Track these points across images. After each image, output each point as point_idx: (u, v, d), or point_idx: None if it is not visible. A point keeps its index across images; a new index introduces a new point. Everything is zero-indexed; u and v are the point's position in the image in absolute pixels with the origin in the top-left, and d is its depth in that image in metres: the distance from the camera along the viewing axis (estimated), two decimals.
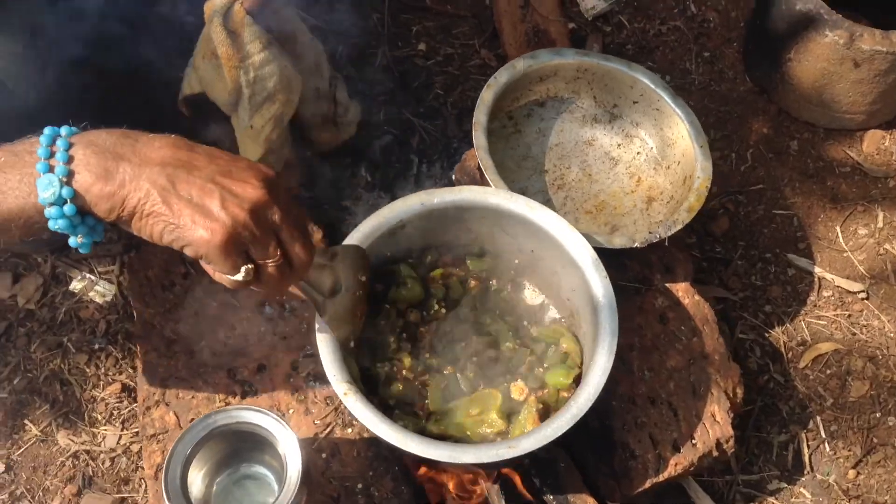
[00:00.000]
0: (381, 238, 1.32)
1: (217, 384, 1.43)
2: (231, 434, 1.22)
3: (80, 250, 0.98)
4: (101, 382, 1.72)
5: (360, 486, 1.36)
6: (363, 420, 1.17)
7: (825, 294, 1.81)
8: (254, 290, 1.02)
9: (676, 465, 1.38)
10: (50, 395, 1.72)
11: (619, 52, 2.08)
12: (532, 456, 1.44)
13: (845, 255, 1.85)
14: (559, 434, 1.18)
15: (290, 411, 1.41)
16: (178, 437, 1.18)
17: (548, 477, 1.44)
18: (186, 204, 0.92)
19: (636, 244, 1.40)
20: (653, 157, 1.60)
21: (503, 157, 1.58)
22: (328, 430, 1.40)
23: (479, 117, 1.48)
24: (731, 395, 1.45)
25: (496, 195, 1.34)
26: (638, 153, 1.61)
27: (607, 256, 1.45)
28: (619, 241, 1.40)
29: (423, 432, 1.26)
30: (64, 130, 0.94)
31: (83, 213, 0.93)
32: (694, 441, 1.40)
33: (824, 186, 1.93)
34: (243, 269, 0.97)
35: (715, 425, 1.41)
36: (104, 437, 1.68)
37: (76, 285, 1.81)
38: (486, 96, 1.51)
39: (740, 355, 1.74)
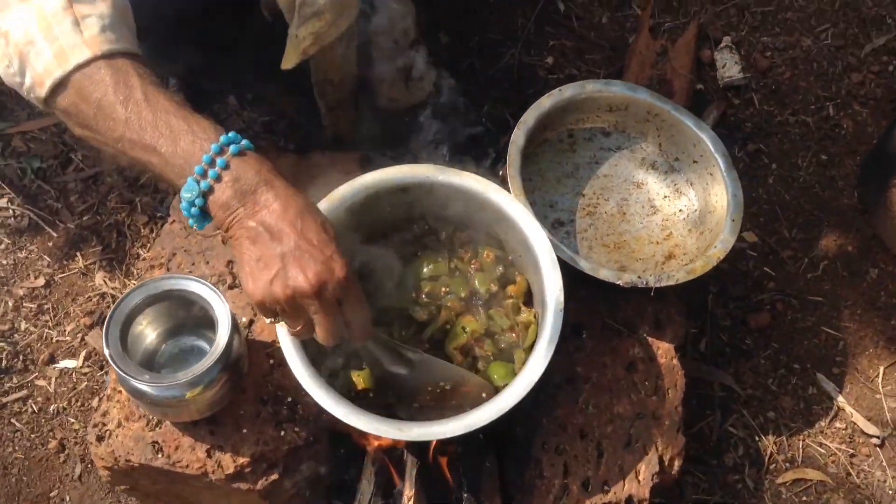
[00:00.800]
0: (383, 192, 1.39)
1: (214, 270, 1.56)
2: (184, 302, 1.34)
3: (195, 227, 1.20)
4: (148, 244, 1.91)
5: (289, 399, 1.45)
6: (281, 340, 1.27)
7: (838, 425, 1.72)
8: None
9: (578, 501, 1.37)
10: (106, 240, 1.93)
11: (737, 126, 2.05)
12: (464, 447, 1.48)
13: (877, 396, 1.74)
14: (449, 436, 1.22)
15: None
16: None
17: (471, 471, 1.48)
18: (255, 261, 1.12)
19: (619, 282, 1.41)
20: (693, 218, 1.59)
21: (547, 167, 1.62)
22: None
23: (528, 118, 1.54)
24: (665, 463, 1.42)
25: (497, 192, 1.38)
26: (680, 210, 1.60)
27: (604, 291, 1.46)
28: (603, 274, 1.41)
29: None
30: (232, 148, 1.12)
31: (205, 213, 1.15)
32: (606, 487, 1.39)
33: (887, 324, 1.82)
34: (271, 319, 1.19)
35: (634, 482, 1.39)
36: None
37: None
38: (545, 103, 1.56)
39: (721, 447, 1.69)
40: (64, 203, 1.97)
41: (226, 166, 1.11)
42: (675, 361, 1.49)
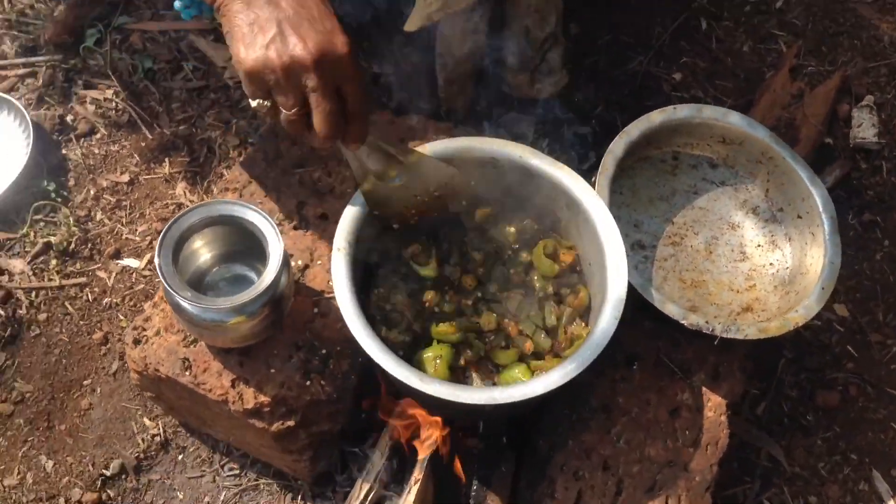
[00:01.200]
0: (474, 160, 1.36)
1: (284, 207, 1.55)
2: (242, 231, 1.33)
3: (182, 16, 1.16)
4: (233, 166, 1.91)
5: (323, 351, 1.43)
6: (333, 273, 1.24)
7: None
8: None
9: None
10: (196, 153, 1.95)
11: (857, 191, 1.93)
12: (486, 443, 1.44)
13: None
14: (466, 402, 1.16)
15: (318, 261, 1.50)
16: None
17: (485, 469, 1.44)
18: (248, 25, 1.04)
19: (684, 322, 1.33)
20: (782, 276, 1.49)
21: (642, 184, 1.55)
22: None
23: (632, 130, 1.47)
24: None
25: (585, 191, 1.33)
26: (771, 264, 1.50)
27: (668, 327, 1.39)
28: (670, 309, 1.33)
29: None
30: None
31: None
32: None
33: None
34: (258, 101, 1.08)
35: None
36: None
37: None
38: (655, 118, 1.48)
39: None
40: (165, 108, 1.99)
41: None
42: (723, 418, 1.40)
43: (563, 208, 1.37)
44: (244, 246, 1.38)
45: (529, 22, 1.60)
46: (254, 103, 1.07)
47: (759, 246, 1.52)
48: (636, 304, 1.35)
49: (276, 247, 1.29)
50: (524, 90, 1.74)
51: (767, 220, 1.54)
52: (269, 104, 1.07)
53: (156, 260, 1.27)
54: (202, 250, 1.40)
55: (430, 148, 1.34)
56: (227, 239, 1.38)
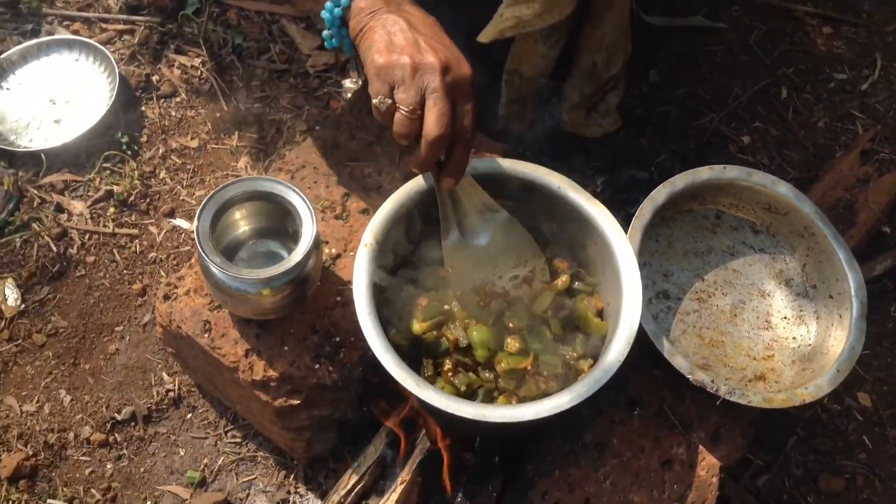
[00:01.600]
0: (512, 183, 1.38)
1: (330, 195, 1.60)
2: (282, 210, 1.38)
3: (325, 44, 1.30)
4: (294, 149, 1.98)
5: (337, 339, 1.47)
6: (355, 266, 1.28)
7: None
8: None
9: None
10: (264, 131, 2.03)
11: None
12: (479, 459, 1.46)
13: None
14: (457, 413, 1.18)
15: (351, 252, 1.55)
16: None
17: (473, 484, 1.46)
18: (388, 40, 1.18)
19: (689, 376, 1.33)
20: (804, 352, 1.47)
21: (679, 237, 1.55)
22: None
23: (677, 181, 1.47)
24: None
25: (615, 231, 1.34)
26: (794, 338, 1.49)
27: (677, 380, 1.39)
28: (678, 362, 1.34)
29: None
30: None
31: (344, 22, 1.25)
32: None
33: None
34: (380, 97, 1.16)
35: None
36: None
37: (348, 84, 2.09)
38: (702, 174, 1.49)
39: None
40: (245, 84, 2.08)
41: None
42: (714, 479, 1.40)
43: (592, 245, 1.39)
44: (282, 225, 1.44)
45: (599, 59, 1.62)
46: (375, 100, 1.16)
47: (785, 318, 1.51)
48: (648, 351, 1.35)
49: (308, 229, 1.34)
50: (577, 127, 1.76)
51: (799, 295, 1.52)
52: (389, 102, 1.16)
53: (195, 223, 1.34)
54: (241, 223, 1.46)
55: (476, 164, 1.37)
56: (266, 215, 1.44)
